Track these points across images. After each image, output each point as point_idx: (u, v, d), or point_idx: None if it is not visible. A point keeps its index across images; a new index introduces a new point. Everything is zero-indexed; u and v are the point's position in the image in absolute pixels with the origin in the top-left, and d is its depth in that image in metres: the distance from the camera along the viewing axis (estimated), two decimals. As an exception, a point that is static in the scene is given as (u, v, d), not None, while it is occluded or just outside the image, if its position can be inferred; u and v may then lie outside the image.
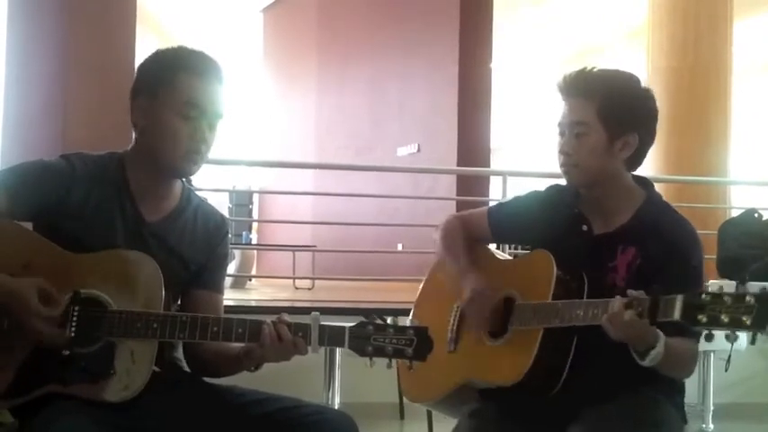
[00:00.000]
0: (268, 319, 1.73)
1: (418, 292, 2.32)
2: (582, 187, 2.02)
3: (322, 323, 1.70)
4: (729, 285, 1.60)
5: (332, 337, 1.70)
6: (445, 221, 2.23)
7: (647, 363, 1.72)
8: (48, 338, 1.65)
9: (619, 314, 1.68)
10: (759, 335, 1.55)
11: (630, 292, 1.71)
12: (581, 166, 1.96)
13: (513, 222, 2.16)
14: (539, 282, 1.92)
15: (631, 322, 1.67)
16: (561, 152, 1.97)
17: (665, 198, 2.08)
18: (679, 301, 1.60)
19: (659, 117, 1.99)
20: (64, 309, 1.66)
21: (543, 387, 1.85)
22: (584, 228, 2.00)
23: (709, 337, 1.85)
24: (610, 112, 1.92)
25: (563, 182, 2.10)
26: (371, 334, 1.68)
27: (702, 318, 1.55)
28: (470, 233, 2.19)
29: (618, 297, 1.72)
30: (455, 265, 2.14)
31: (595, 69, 1.97)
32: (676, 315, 1.60)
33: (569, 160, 1.96)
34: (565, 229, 2.01)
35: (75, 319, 1.67)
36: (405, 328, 1.69)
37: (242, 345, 1.76)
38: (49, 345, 1.66)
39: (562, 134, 1.98)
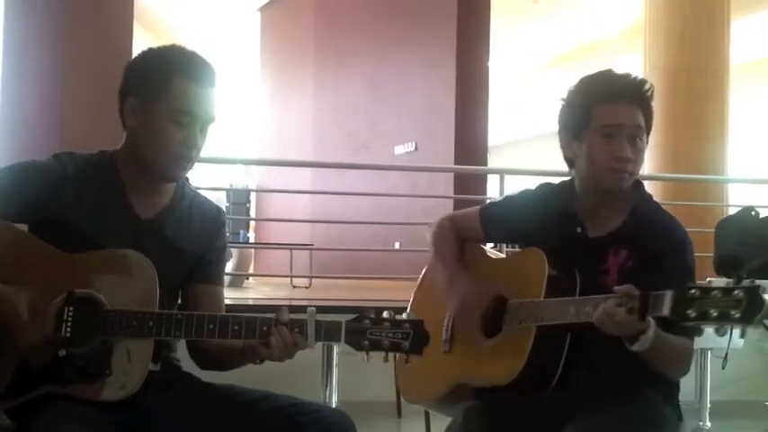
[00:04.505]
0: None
1: (414, 291, 2.30)
2: (619, 192, 1.97)
3: (318, 318, 1.70)
4: (721, 282, 1.59)
5: (328, 332, 1.69)
6: (437, 222, 2.21)
7: (636, 348, 1.70)
8: (34, 352, 1.64)
9: (611, 314, 1.68)
10: (748, 329, 1.55)
11: (617, 288, 1.70)
12: (635, 172, 1.95)
13: (506, 221, 2.14)
14: (531, 280, 1.91)
15: (623, 320, 1.67)
16: (623, 158, 1.89)
17: (662, 196, 2.09)
18: (669, 297, 1.60)
19: (658, 114, 2.00)
20: (54, 324, 1.65)
21: (536, 386, 1.85)
22: (579, 230, 1.99)
23: (699, 332, 1.83)
24: (648, 117, 1.94)
25: (556, 180, 2.10)
26: (368, 328, 1.68)
27: (692, 312, 1.54)
28: (462, 233, 2.17)
29: (608, 295, 1.71)
30: (444, 269, 2.13)
31: (623, 73, 1.97)
32: (665, 311, 1.59)
33: (628, 167, 1.90)
34: (559, 230, 1.99)
35: (70, 319, 1.65)
36: (401, 321, 1.69)
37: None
38: (36, 358, 1.65)
39: (611, 136, 1.89)
